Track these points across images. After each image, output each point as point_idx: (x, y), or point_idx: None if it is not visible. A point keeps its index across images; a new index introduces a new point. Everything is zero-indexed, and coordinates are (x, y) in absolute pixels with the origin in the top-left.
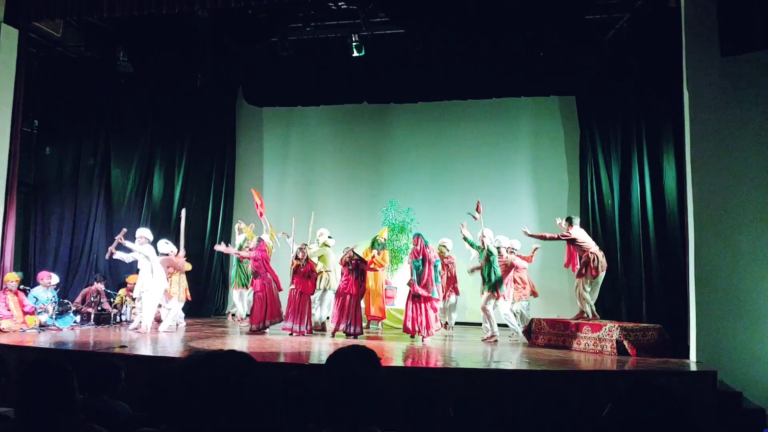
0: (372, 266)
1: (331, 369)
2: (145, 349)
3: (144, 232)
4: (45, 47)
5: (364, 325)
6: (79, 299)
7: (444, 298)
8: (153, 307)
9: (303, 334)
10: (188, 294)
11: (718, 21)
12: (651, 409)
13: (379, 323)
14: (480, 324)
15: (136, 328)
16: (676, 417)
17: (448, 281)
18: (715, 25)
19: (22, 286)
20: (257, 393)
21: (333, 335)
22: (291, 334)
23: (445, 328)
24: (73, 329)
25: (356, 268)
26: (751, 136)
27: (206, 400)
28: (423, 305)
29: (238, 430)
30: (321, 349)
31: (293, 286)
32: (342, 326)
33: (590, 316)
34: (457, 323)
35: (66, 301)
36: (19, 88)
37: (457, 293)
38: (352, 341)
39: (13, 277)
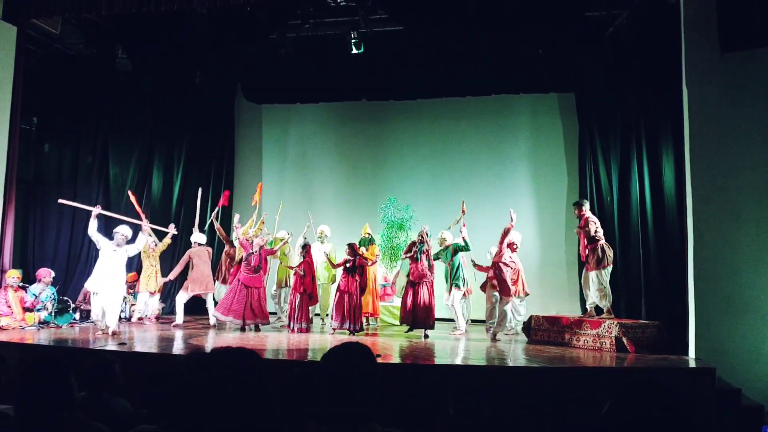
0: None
1: (326, 367)
2: (144, 347)
3: (123, 229)
4: (44, 44)
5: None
6: (81, 297)
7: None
8: (118, 306)
9: (301, 332)
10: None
11: (717, 18)
12: (650, 406)
13: (377, 320)
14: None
15: (106, 330)
16: (675, 415)
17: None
18: (714, 22)
19: (21, 283)
20: (260, 391)
21: (333, 332)
22: (290, 332)
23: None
24: (72, 326)
25: (353, 266)
26: (751, 133)
27: (210, 397)
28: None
29: (239, 426)
30: (320, 346)
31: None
32: (343, 324)
33: (598, 312)
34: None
35: (66, 298)
36: (18, 86)
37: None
38: (348, 338)
39: (14, 274)
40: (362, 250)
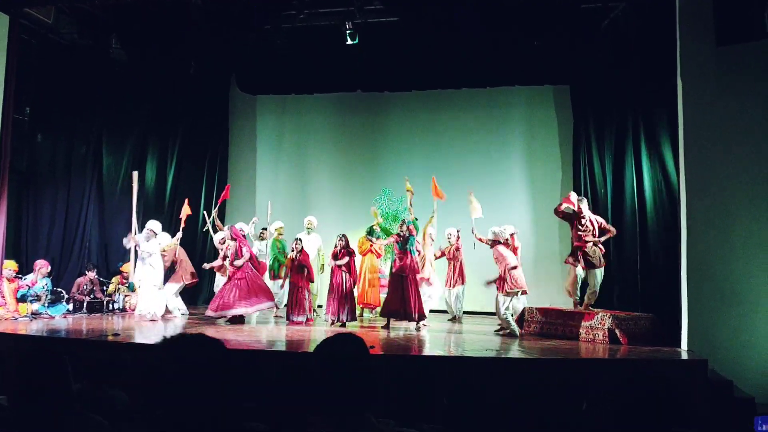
0: (372, 252)
1: (319, 358)
2: (138, 338)
3: (153, 225)
4: (37, 34)
5: (357, 312)
6: (74, 289)
7: (452, 286)
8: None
9: (301, 324)
10: None
11: (713, 11)
12: (643, 398)
13: (373, 311)
14: (484, 312)
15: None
16: (667, 407)
17: (455, 270)
18: (710, 14)
19: (16, 275)
20: (221, 377)
21: (332, 325)
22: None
23: (454, 320)
24: (65, 317)
25: (343, 257)
26: (745, 127)
27: (175, 382)
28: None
29: (201, 410)
30: (319, 338)
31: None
32: (337, 316)
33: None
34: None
35: (59, 289)
36: (11, 75)
37: (462, 282)
38: (341, 330)
39: (11, 266)
40: (372, 239)
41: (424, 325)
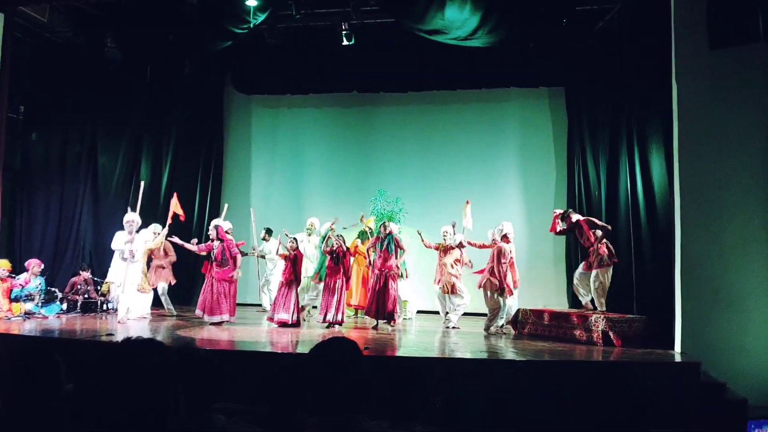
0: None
1: (313, 361)
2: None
3: (134, 217)
4: (32, 32)
5: (351, 314)
6: (68, 288)
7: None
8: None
9: (289, 324)
10: None
11: (707, 14)
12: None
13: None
14: (477, 314)
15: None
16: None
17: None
18: (704, 18)
19: (9, 274)
20: (159, 376)
21: (328, 326)
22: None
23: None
24: (59, 317)
25: (343, 256)
26: (739, 129)
27: (118, 380)
28: None
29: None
30: (312, 339)
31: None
32: (324, 316)
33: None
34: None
35: (53, 289)
36: (5, 73)
37: None
38: (333, 332)
39: (4, 265)
40: (358, 241)
41: (391, 324)
